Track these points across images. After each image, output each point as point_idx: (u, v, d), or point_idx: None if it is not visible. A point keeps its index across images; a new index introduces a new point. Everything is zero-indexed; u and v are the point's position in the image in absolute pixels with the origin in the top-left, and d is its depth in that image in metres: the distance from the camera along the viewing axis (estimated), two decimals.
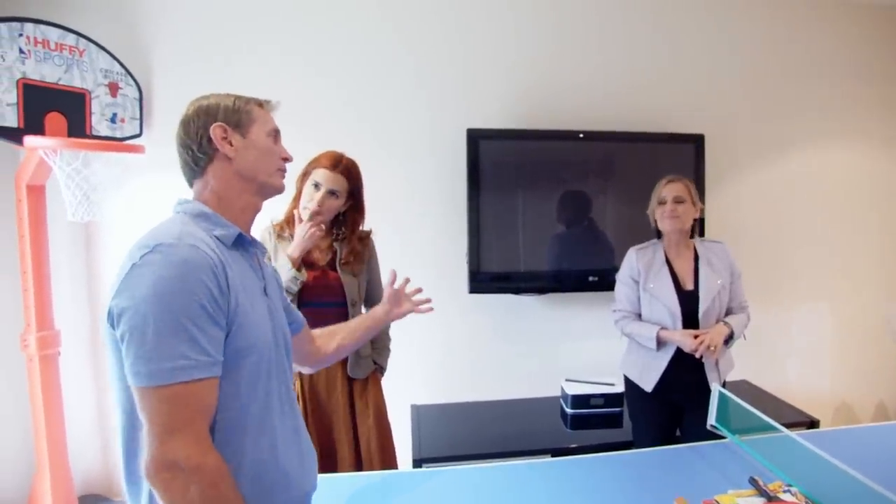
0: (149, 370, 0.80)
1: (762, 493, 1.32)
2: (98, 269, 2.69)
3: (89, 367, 2.67)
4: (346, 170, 1.79)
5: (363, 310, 1.93)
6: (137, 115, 2.57)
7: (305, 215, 1.77)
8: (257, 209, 1.05)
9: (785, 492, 1.32)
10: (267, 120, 1.05)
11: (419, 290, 1.51)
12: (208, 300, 0.84)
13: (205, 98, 1.02)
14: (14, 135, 2.08)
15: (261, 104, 1.05)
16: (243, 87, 1.14)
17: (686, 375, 1.97)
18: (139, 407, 0.82)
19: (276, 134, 1.06)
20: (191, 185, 1.02)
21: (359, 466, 1.83)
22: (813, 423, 2.40)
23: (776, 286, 3.06)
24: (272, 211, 1.85)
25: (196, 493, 0.80)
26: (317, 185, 1.76)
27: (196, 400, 0.82)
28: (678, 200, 1.98)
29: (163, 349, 0.80)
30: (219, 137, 0.98)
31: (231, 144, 0.99)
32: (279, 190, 1.06)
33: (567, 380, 2.65)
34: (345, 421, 1.83)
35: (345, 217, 1.85)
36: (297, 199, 1.82)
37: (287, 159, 1.08)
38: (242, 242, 1.00)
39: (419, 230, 2.77)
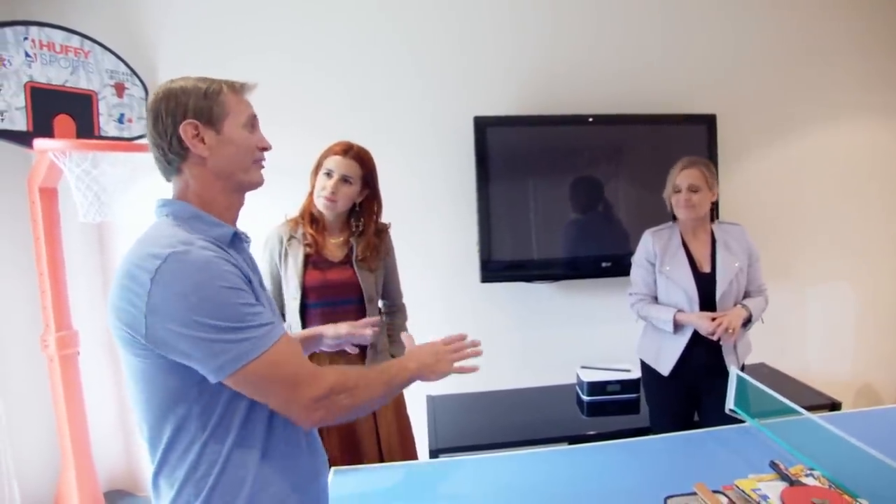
0: (249, 346, 0.83)
1: (784, 477, 1.30)
2: (112, 268, 2.71)
3: (108, 366, 2.71)
4: (358, 156, 1.77)
5: (381, 305, 1.93)
6: (144, 115, 2.58)
7: (320, 204, 1.76)
8: (240, 205, 1.01)
9: (807, 475, 1.30)
10: (242, 108, 0.96)
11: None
12: (244, 286, 0.87)
13: (172, 83, 0.94)
14: (24, 138, 2.10)
15: (235, 88, 0.96)
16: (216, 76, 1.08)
17: (703, 359, 1.95)
18: (251, 391, 0.86)
19: (253, 121, 0.98)
20: (168, 180, 0.97)
21: (381, 460, 1.83)
22: (834, 406, 2.36)
23: (793, 267, 3.00)
24: (286, 207, 1.85)
25: (347, 397, 0.91)
26: (329, 173, 1.74)
27: (292, 349, 0.89)
28: (693, 189, 1.94)
29: (241, 331, 0.83)
30: (190, 137, 0.91)
31: (204, 143, 0.92)
32: (257, 185, 1.00)
33: (582, 367, 2.63)
34: (366, 416, 1.83)
35: (361, 208, 1.83)
36: (311, 194, 1.81)
37: (265, 148, 1.00)
38: (236, 240, 0.97)
39: (428, 221, 2.76)
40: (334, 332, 1.39)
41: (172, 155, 0.93)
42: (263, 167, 1.01)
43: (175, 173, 0.95)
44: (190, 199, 0.94)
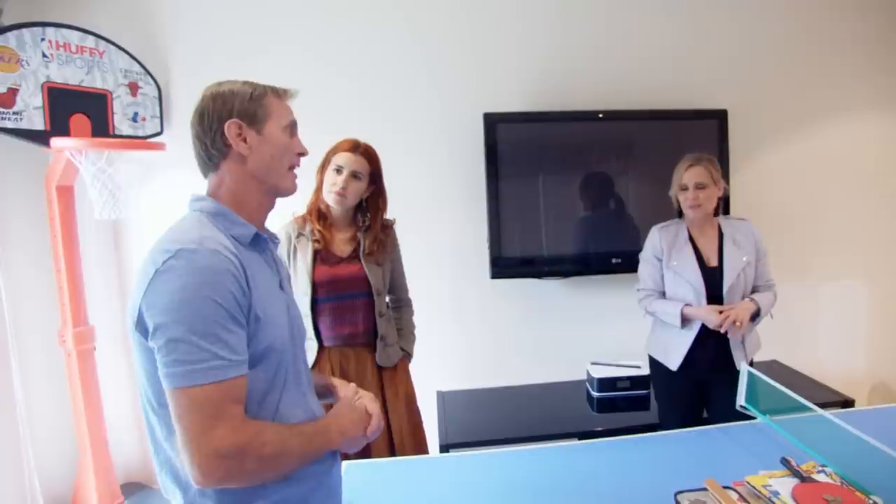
0: (183, 371, 0.81)
1: (795, 473, 1.29)
2: (127, 265, 2.76)
3: (124, 361, 2.75)
4: (366, 152, 1.81)
5: (388, 299, 1.95)
6: (157, 114, 2.61)
7: (330, 199, 1.79)
8: (271, 207, 1.03)
9: (819, 472, 1.29)
10: (283, 113, 1.00)
11: None
12: (232, 304, 0.85)
13: (220, 85, 0.98)
14: (41, 137, 2.14)
15: (278, 94, 1.01)
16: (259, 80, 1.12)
17: (711, 353, 1.94)
18: (173, 410, 0.83)
19: (292, 127, 1.02)
20: (205, 176, 1.00)
21: (392, 454, 1.86)
22: (847, 403, 2.34)
23: (806, 263, 2.97)
24: (293, 204, 1.87)
25: (255, 463, 0.84)
26: (339, 169, 1.77)
27: (228, 397, 0.83)
28: (699, 187, 1.93)
29: (195, 352, 0.81)
30: (234, 135, 0.95)
31: (246, 142, 0.95)
32: (290, 192, 1.03)
33: (592, 363, 2.63)
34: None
35: (367, 204, 1.86)
36: (318, 190, 1.84)
37: (302, 154, 1.04)
38: (258, 240, 0.98)
39: (438, 218, 2.76)
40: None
41: (214, 151, 0.96)
42: (296, 175, 1.04)
43: (213, 170, 0.98)
44: (222, 195, 0.97)
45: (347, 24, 2.66)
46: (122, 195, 2.30)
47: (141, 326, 0.84)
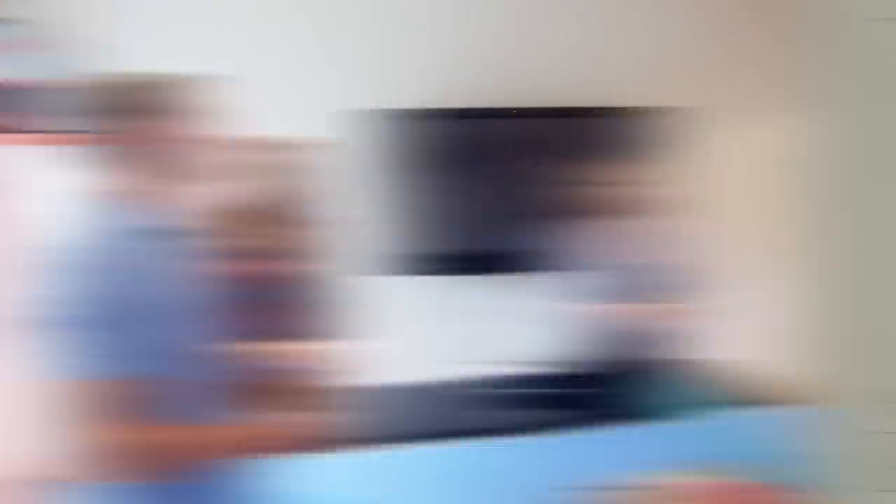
0: (82, 364, 0.82)
1: (710, 473, 1.30)
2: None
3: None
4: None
5: None
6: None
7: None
8: (186, 200, 1.03)
9: (736, 473, 1.30)
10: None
11: None
12: (148, 300, 0.86)
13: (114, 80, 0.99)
14: None
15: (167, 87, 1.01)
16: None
17: (632, 352, 1.97)
18: (73, 401, 0.84)
19: (197, 119, 1.03)
20: (111, 172, 0.99)
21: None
22: (765, 403, 2.36)
23: (762, 264, 2.89)
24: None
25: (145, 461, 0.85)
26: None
27: (127, 394, 0.84)
28: (612, 185, 1.99)
29: (96, 347, 0.82)
30: (133, 132, 0.94)
31: (148, 139, 0.96)
32: (202, 188, 1.05)
33: (496, 361, 2.57)
34: None
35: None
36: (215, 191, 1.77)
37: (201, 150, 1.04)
38: (172, 234, 0.99)
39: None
40: None
41: (119, 147, 0.95)
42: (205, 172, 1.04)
43: (119, 165, 0.97)
44: (132, 190, 0.96)
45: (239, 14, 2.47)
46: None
47: (52, 320, 0.84)
